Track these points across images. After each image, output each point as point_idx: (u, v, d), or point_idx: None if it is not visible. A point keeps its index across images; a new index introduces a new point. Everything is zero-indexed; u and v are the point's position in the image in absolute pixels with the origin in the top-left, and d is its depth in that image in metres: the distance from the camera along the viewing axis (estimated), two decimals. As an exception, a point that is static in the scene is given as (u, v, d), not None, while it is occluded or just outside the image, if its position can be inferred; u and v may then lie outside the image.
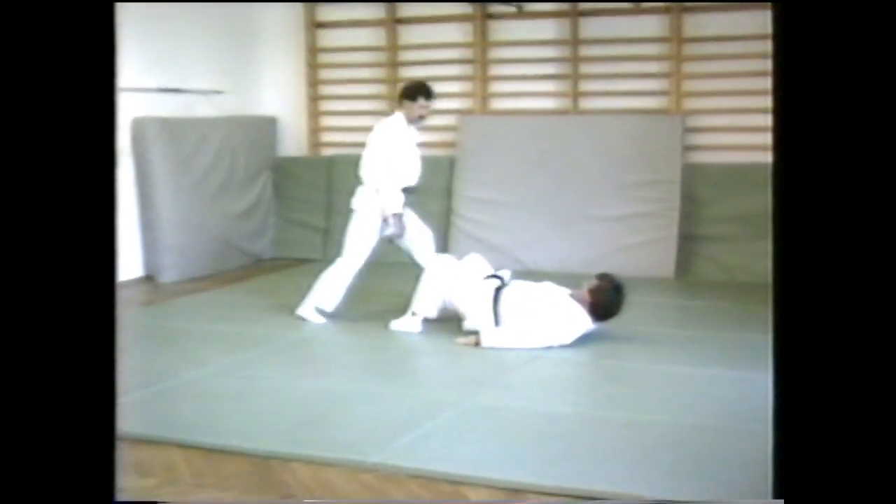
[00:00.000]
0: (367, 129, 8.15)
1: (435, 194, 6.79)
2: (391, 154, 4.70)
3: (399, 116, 4.77)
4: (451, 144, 6.96)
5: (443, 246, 6.63)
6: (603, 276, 4.37)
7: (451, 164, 6.81)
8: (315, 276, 5.30)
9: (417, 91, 4.76)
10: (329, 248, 7.55)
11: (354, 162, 7.91)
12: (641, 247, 6.25)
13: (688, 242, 6.26)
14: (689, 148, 6.39)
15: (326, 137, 7.55)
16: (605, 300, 4.28)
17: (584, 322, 4.29)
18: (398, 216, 4.70)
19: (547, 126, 6.63)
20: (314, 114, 7.52)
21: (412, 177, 4.83)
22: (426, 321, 4.59)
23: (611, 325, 4.45)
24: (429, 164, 7.00)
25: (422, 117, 4.75)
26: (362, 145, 8.07)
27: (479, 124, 7.08)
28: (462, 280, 4.49)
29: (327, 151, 7.42)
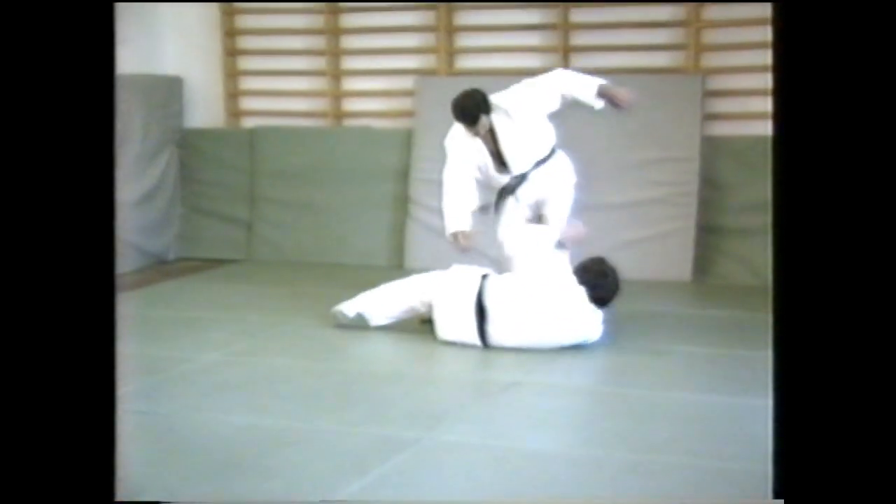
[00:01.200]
0: (301, 94, 8.18)
1: (386, 177, 6.97)
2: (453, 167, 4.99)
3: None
4: (406, 113, 7.04)
5: (396, 244, 6.87)
6: (589, 261, 4.66)
7: (407, 138, 6.90)
8: (237, 280, 5.37)
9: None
10: (255, 246, 7.54)
11: (284, 135, 7.90)
12: (651, 242, 6.33)
13: (708, 236, 6.33)
14: (710, 117, 6.43)
15: (248, 104, 7.56)
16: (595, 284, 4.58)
17: (588, 306, 4.53)
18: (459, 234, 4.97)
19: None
20: (232, 73, 7.47)
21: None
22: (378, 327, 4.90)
23: (614, 341, 4.58)
24: (378, 139, 7.13)
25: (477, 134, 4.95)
26: (294, 114, 8.08)
27: (442, 88, 6.99)
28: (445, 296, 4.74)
29: (250, 122, 7.46)
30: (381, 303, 4.93)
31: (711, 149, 6.36)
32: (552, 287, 4.62)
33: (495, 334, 4.62)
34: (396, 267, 6.66)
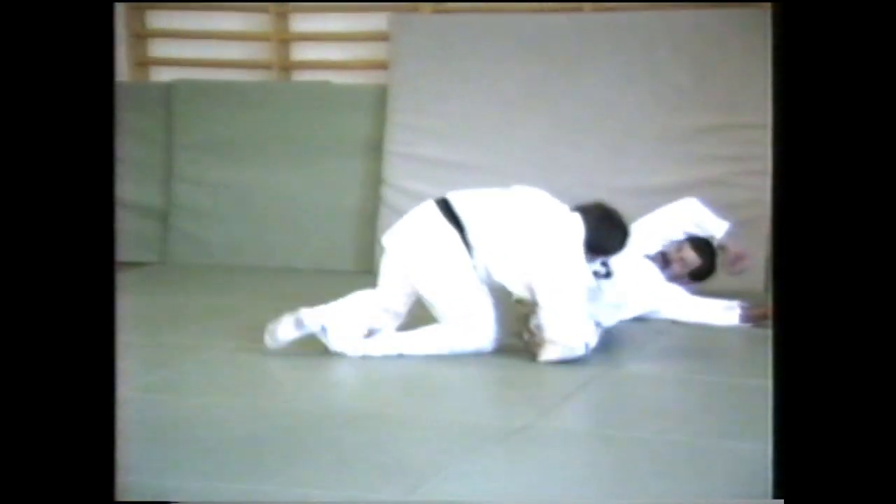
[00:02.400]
0: (236, 37, 7.99)
1: (351, 150, 6.99)
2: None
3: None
4: (379, 64, 7.05)
5: (365, 240, 6.89)
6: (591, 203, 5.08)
7: (380, 98, 6.91)
8: (147, 290, 5.23)
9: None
10: (172, 245, 7.41)
11: (212, 93, 7.71)
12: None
13: None
14: None
15: (162, 49, 7.51)
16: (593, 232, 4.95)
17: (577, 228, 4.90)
18: None
19: (539, 31, 6.64)
20: (138, 5, 7.40)
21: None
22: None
23: (667, 371, 4.74)
24: (341, 99, 7.04)
25: None
26: (226, 64, 7.90)
27: (425, 29, 7.00)
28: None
29: (164, 74, 7.43)
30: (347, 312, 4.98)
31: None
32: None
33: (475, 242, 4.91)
34: (365, 271, 6.60)
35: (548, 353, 4.75)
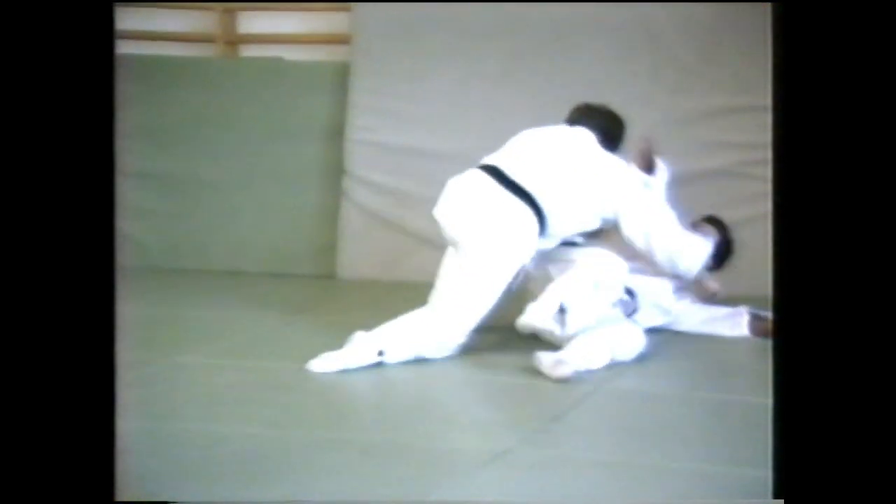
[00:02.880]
0: (173, 5, 7.89)
1: (309, 136, 7.04)
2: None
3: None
4: (339, 39, 7.09)
5: (326, 240, 7.00)
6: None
7: (341, 77, 6.97)
8: None
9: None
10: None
11: (147, 70, 7.65)
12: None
13: None
14: None
15: None
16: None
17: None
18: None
19: (525, 1, 6.64)
20: None
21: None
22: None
23: (667, 388, 4.82)
24: (296, 79, 6.95)
25: None
26: (164, 37, 7.80)
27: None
28: None
29: None
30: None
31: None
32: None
33: None
34: (326, 276, 6.75)
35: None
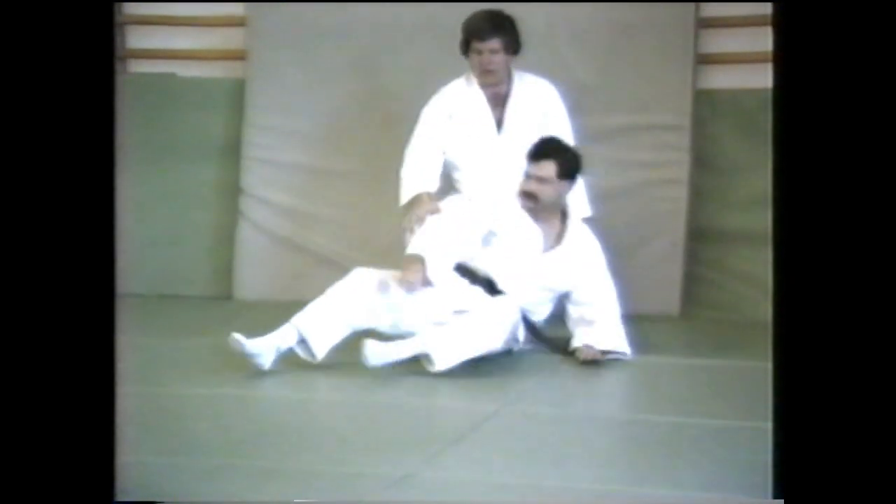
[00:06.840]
0: None
1: (203, 155, 7.00)
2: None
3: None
4: (235, 54, 7.06)
5: (222, 261, 7.00)
6: None
7: (237, 94, 6.98)
8: None
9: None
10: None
11: None
12: (620, 256, 6.03)
13: (705, 245, 6.46)
14: (707, 60, 6.53)
15: None
16: None
17: None
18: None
19: (424, 15, 6.70)
20: None
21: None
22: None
23: (574, 408, 4.87)
24: (190, 96, 6.92)
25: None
26: None
27: (288, 12, 6.99)
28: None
29: None
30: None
31: (709, 109, 6.51)
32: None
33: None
34: (222, 297, 6.78)
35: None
